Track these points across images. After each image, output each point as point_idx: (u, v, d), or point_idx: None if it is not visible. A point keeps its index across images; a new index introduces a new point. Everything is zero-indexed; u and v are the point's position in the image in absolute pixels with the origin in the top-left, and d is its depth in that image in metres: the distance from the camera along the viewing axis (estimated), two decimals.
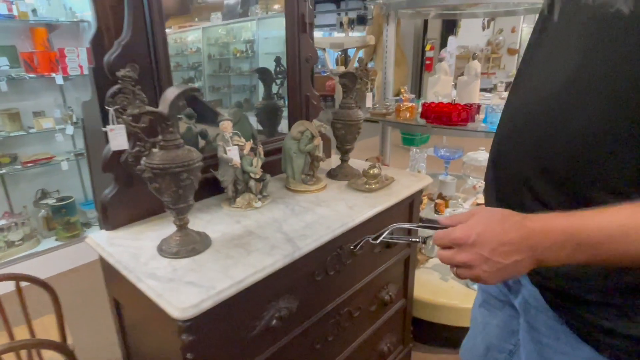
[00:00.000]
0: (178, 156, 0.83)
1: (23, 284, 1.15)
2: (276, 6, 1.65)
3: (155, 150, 0.84)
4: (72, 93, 2.53)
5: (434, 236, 0.58)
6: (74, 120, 2.44)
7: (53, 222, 2.49)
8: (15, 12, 2.18)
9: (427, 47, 5.99)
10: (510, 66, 8.35)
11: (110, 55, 0.94)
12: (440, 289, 1.76)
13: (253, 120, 1.61)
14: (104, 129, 0.81)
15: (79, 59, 2.33)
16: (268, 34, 1.88)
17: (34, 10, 2.24)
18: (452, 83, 1.87)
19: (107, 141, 0.96)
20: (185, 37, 1.48)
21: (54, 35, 2.38)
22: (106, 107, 0.77)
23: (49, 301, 1.18)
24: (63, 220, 2.45)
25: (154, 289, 0.77)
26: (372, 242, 0.72)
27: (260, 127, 1.60)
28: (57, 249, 2.43)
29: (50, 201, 2.46)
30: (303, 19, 1.37)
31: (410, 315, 1.57)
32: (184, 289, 0.77)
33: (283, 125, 1.56)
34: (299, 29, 1.38)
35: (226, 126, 1.11)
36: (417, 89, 7.20)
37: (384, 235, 0.72)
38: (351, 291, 1.18)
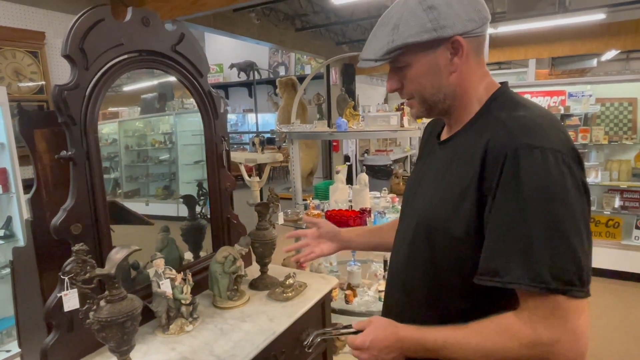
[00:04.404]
0: (123, 307, 1.01)
1: None
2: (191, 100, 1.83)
3: (102, 304, 1.00)
4: None
5: (347, 341, 0.84)
6: None
7: None
8: None
9: None
10: (405, 143, 9.52)
11: (57, 220, 1.11)
12: None
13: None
14: (59, 295, 0.97)
15: None
16: (186, 127, 2.10)
17: None
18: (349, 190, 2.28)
19: (43, 296, 1.10)
20: (100, 130, 1.59)
21: None
22: (61, 276, 0.93)
23: None
24: None
25: None
26: (307, 350, 0.92)
27: (186, 246, 1.78)
28: None
29: None
30: (221, 157, 1.66)
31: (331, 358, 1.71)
32: None
33: (207, 243, 1.76)
34: (218, 165, 1.65)
35: (159, 263, 1.30)
36: (328, 167, 7.88)
37: (310, 341, 0.90)
38: None
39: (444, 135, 0.93)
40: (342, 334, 0.89)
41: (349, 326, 0.86)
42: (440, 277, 0.82)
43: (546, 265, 0.65)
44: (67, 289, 0.95)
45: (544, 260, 0.66)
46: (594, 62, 8.27)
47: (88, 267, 0.98)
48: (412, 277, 0.89)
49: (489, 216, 0.72)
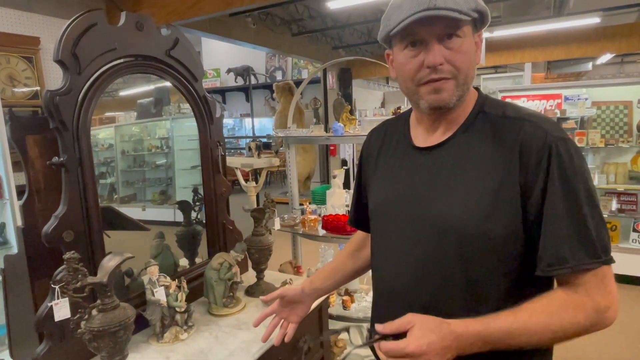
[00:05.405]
0: (116, 316, 0.99)
1: None
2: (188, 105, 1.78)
3: (94, 313, 0.98)
4: None
5: (383, 349, 0.69)
6: None
7: None
8: None
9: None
10: None
11: (48, 228, 1.09)
12: None
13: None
14: (49, 304, 0.94)
15: None
16: (183, 132, 2.09)
17: None
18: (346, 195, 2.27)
19: (35, 305, 1.07)
20: (96, 135, 1.52)
21: None
22: (52, 285, 0.91)
23: None
24: None
25: None
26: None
27: (181, 252, 1.76)
28: None
29: None
30: (216, 162, 1.64)
31: None
32: None
33: (202, 249, 1.74)
34: (213, 170, 1.64)
35: (153, 271, 1.28)
36: (325, 172, 7.86)
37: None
38: None
39: (426, 140, 0.87)
40: (374, 341, 0.73)
41: (378, 335, 0.72)
42: (478, 285, 0.78)
43: (597, 241, 0.72)
44: (58, 298, 0.93)
45: (594, 238, 0.72)
46: (589, 65, 8.33)
47: (80, 276, 0.96)
48: (438, 291, 0.81)
49: (540, 207, 0.74)
